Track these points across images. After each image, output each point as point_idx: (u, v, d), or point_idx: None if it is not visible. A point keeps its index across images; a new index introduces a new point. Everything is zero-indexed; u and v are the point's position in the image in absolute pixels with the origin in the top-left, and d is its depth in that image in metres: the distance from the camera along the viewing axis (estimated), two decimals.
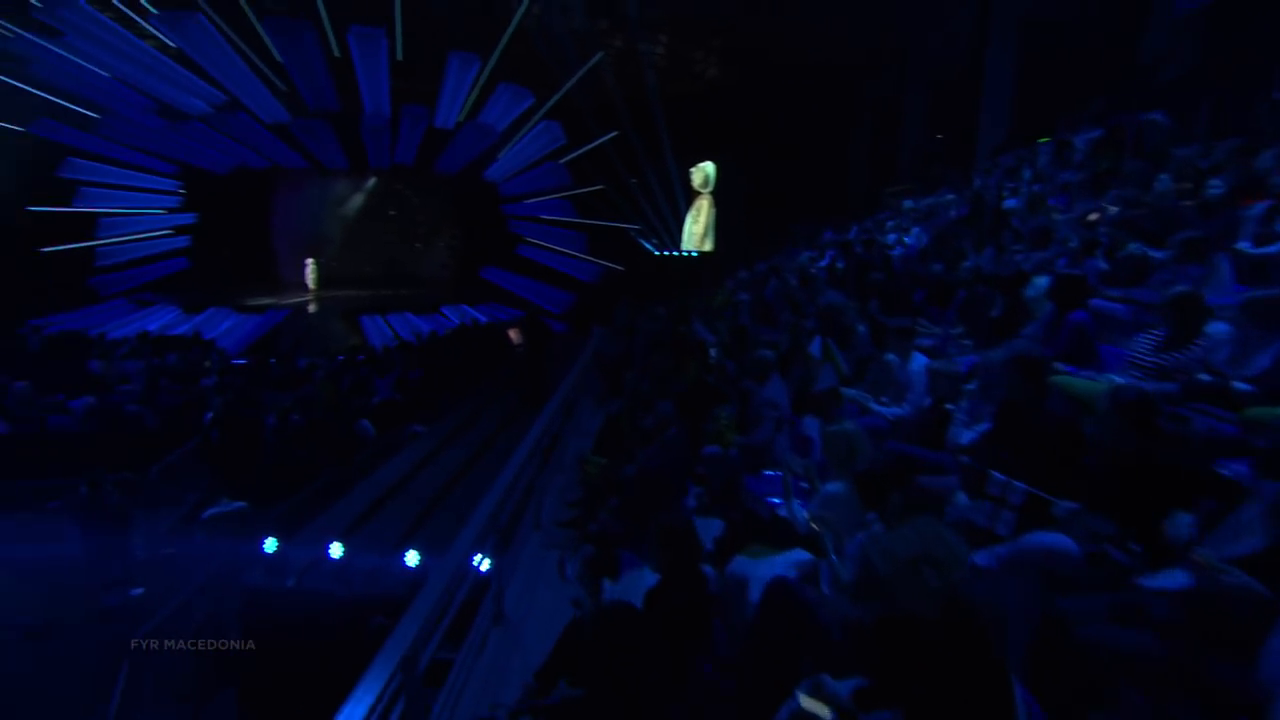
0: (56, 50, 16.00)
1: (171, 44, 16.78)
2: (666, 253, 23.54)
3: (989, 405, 3.08)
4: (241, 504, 5.76)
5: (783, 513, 3.41)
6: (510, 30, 18.32)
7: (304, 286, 21.83)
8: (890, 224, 10.90)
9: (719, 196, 24.19)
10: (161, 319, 17.60)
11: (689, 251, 23.73)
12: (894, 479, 2.62)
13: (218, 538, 5.59)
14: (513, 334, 9.62)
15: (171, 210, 20.91)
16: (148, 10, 16.17)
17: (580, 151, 20.61)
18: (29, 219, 18.14)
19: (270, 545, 5.10)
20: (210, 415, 8.42)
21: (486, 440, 8.85)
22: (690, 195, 23.58)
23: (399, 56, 17.24)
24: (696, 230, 23.84)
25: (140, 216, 20.39)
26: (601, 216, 21.86)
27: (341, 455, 7.82)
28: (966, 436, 2.97)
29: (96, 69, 16.57)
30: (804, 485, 3.55)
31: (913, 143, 19.52)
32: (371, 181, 23.16)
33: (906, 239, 9.22)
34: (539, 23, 18.98)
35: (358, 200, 23.32)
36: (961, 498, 2.79)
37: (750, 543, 3.32)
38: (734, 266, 17.98)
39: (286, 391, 9.98)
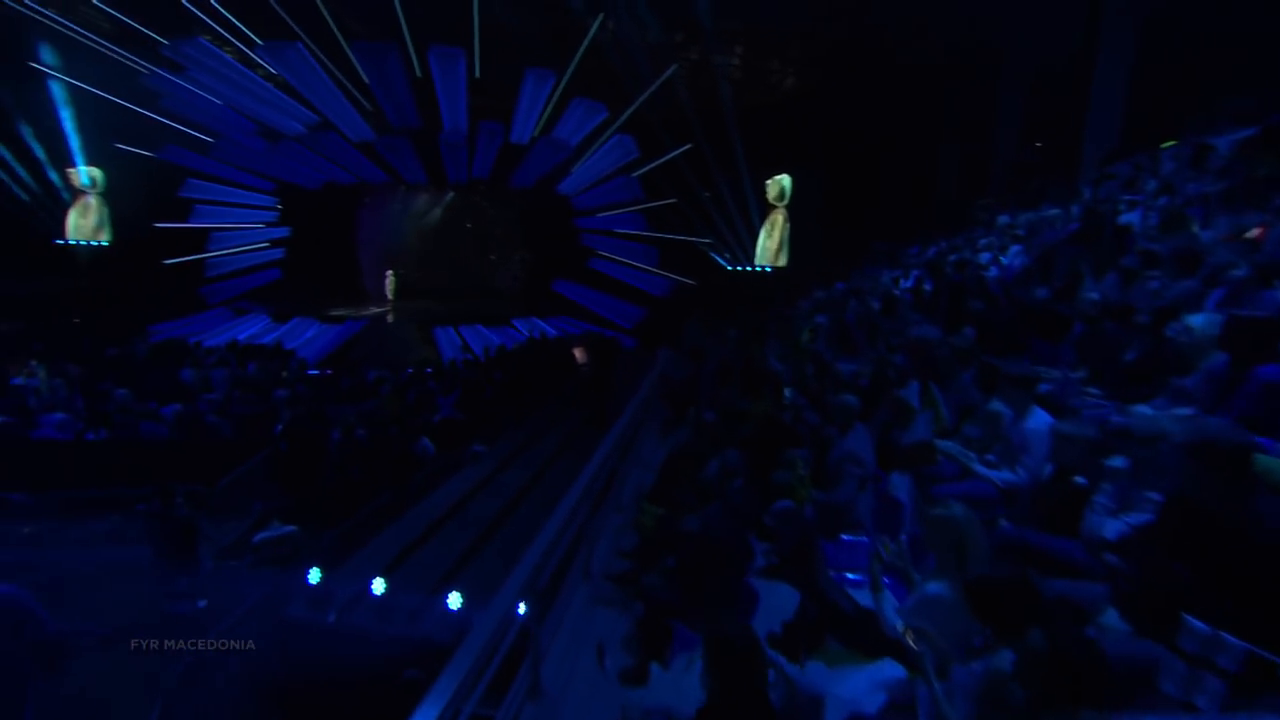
0: (180, 83, 17.21)
1: (274, 71, 17.78)
2: (739, 268, 22.82)
3: (1145, 489, 2.37)
4: (292, 528, 5.61)
5: (868, 602, 2.80)
6: (584, 45, 18.26)
7: (384, 297, 22.41)
8: (983, 241, 9.87)
9: (795, 210, 23.29)
10: (252, 327, 18.47)
11: (762, 267, 22.92)
12: (1022, 594, 1.97)
13: (266, 563, 5.45)
14: (578, 353, 9.27)
15: (269, 224, 22.11)
16: (254, 41, 17.09)
17: (653, 165, 20.30)
18: (155, 234, 20.08)
19: (314, 576, 4.89)
20: (280, 427, 8.46)
21: (547, 462, 8.52)
22: (765, 209, 22.80)
23: (476, 74, 17.47)
24: (770, 245, 23.03)
25: (243, 230, 21.70)
26: (674, 230, 21.44)
27: (400, 474, 7.66)
28: (1113, 528, 2.27)
29: (211, 98, 17.71)
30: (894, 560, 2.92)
31: (1007, 151, 18.08)
32: (449, 195, 23.58)
33: (1003, 259, 8.26)
34: (613, 37, 18.84)
35: (436, 214, 23.77)
36: (1112, 615, 2.11)
37: (828, 640, 2.73)
38: (809, 283, 17.19)
39: (354, 404, 9.99)
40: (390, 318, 21.06)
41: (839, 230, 21.25)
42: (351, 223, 23.65)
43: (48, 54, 18.73)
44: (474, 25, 16.87)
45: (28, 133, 19.35)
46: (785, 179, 23.23)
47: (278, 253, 22.33)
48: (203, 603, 6.79)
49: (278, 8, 15.67)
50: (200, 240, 21.07)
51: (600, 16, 17.83)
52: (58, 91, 19.16)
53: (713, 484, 4.09)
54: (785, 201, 23.39)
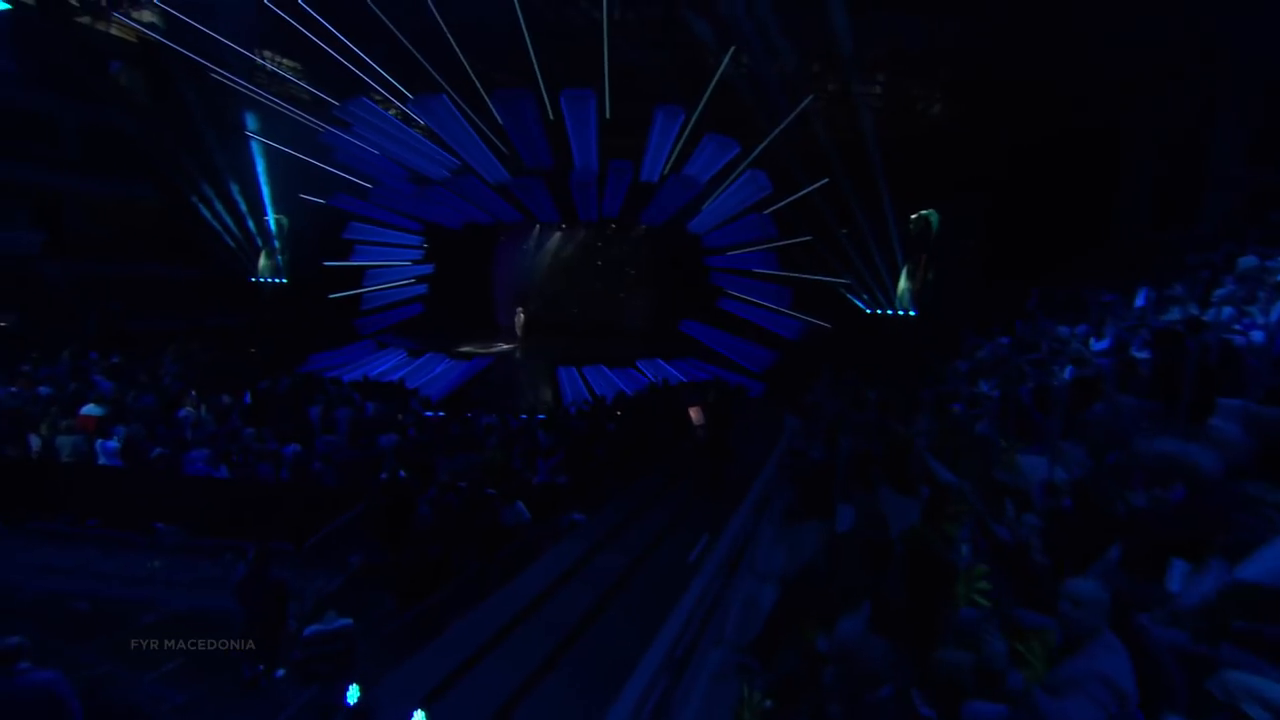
0: (347, 138, 18.64)
1: (421, 122, 18.75)
2: (880, 311, 20.58)
3: None
4: (347, 622, 4.92)
5: None
6: (715, 80, 17.43)
7: (514, 334, 22.74)
8: (1221, 292, 7.44)
9: (944, 247, 20.70)
10: (389, 361, 19.17)
11: (906, 311, 20.52)
12: None
13: (315, 662, 4.78)
14: (693, 414, 8.05)
15: (415, 262, 23.41)
16: (406, 96, 18.09)
17: (787, 201, 18.89)
18: (324, 272, 22.13)
19: (353, 695, 4.09)
20: (384, 476, 8.06)
21: (651, 543, 7.38)
22: (909, 247, 20.46)
23: (607, 115, 17.19)
24: (914, 286, 20.60)
25: (393, 268, 23.20)
26: (809, 270, 19.81)
27: (488, 547, 6.87)
28: None
29: (371, 149, 18.96)
30: None
31: (1225, 169, 14.55)
32: (580, 234, 23.70)
33: (1268, 318, 6.01)
34: (746, 71, 17.90)
35: (567, 252, 23.93)
36: None
37: None
38: (963, 332, 14.96)
39: (462, 454, 9.51)
40: (517, 354, 21.14)
41: (997, 270, 18.49)
42: (489, 260, 24.55)
43: (252, 120, 21.32)
44: (604, 66, 16.65)
45: (235, 189, 22.14)
46: (932, 214, 20.79)
47: (422, 288, 23.66)
48: (280, 673, 6.38)
49: (426, 64, 16.40)
50: (358, 277, 22.76)
51: (732, 50, 16.93)
52: (257, 151, 21.68)
53: (846, 672, 2.72)
54: (932, 238, 20.90)
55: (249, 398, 11.19)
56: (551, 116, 17.46)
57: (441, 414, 11.92)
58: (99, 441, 9.00)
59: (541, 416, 11.67)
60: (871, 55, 18.49)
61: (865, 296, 20.62)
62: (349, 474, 8.63)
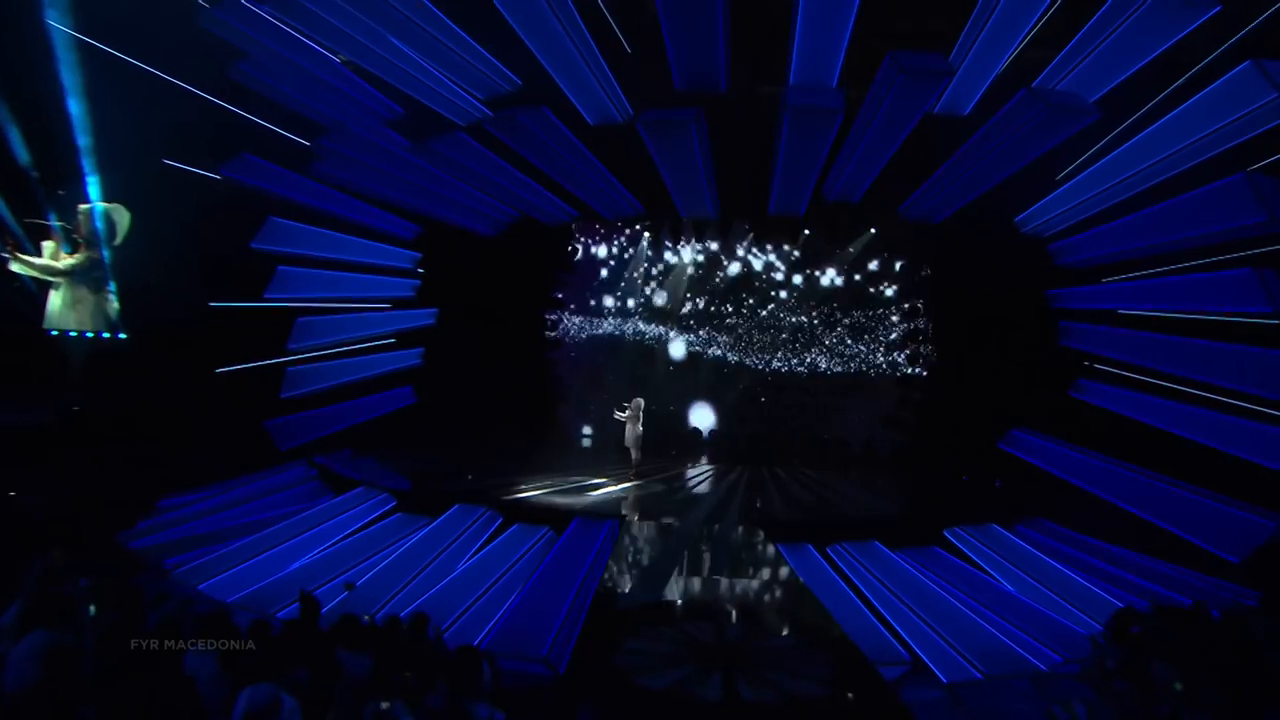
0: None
1: None
2: None
3: None
4: None
5: None
6: None
7: (626, 455, 17.63)
8: None
9: None
10: (357, 522, 12.42)
11: None
12: None
13: None
14: None
15: (397, 303, 18.34)
16: None
17: None
18: (211, 319, 16.68)
19: None
20: None
21: None
22: None
23: None
24: None
25: (354, 314, 17.92)
26: None
27: None
28: None
29: (312, 43, 12.40)
30: None
31: None
32: (742, 240, 20.32)
33: None
34: None
35: (736, 281, 20.67)
36: None
37: None
38: None
39: None
40: (629, 510, 14.62)
41: None
42: (546, 298, 21.71)
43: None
44: None
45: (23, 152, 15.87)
46: None
47: (413, 354, 18.59)
48: None
49: None
50: (283, 330, 17.17)
51: None
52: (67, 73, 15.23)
53: None
54: None
55: None
56: None
57: None
58: None
59: None
60: None
61: None
62: None
